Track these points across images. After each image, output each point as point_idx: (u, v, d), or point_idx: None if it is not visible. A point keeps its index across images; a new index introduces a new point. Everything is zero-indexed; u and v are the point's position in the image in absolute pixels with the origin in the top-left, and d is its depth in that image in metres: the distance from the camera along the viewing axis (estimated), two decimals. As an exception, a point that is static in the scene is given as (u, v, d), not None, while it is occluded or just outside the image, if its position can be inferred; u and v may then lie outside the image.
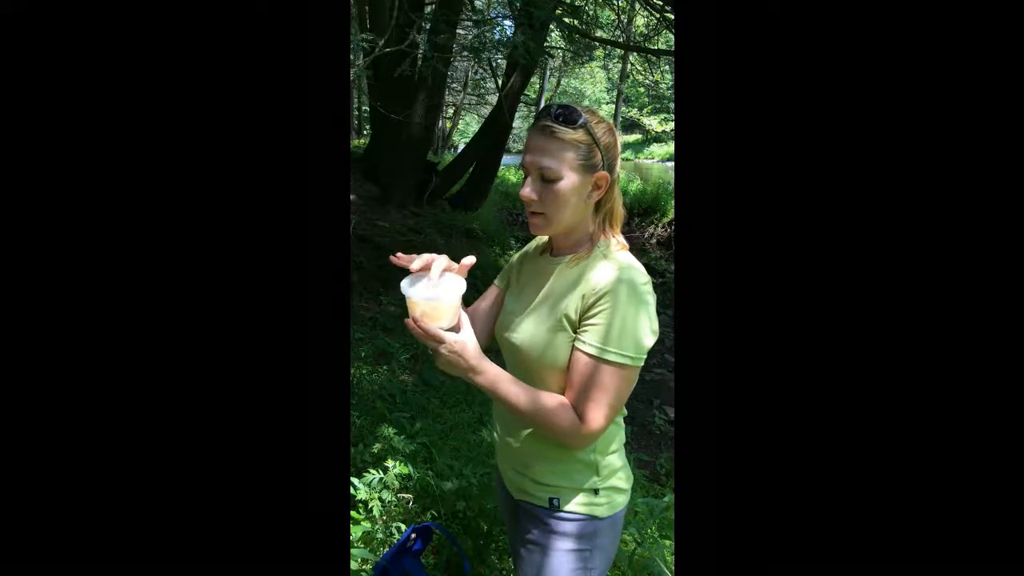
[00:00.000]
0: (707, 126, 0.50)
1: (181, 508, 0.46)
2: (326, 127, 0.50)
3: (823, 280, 0.47)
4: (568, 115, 0.76)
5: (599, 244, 0.83)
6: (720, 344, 0.49)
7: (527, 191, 0.79)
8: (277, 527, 0.48)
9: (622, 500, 0.89)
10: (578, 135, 0.76)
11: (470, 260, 0.80)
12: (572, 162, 0.76)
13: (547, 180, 0.77)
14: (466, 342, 0.75)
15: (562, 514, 0.86)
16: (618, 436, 0.89)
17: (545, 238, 0.91)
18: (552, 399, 0.79)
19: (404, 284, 0.76)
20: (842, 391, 0.46)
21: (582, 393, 0.77)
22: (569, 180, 0.77)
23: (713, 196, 0.50)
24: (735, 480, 0.48)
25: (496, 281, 1.00)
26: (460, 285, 0.76)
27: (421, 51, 3.71)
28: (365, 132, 10.39)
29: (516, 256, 0.99)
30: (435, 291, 0.73)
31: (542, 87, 13.13)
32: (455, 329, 0.76)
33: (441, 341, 0.73)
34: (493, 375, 0.77)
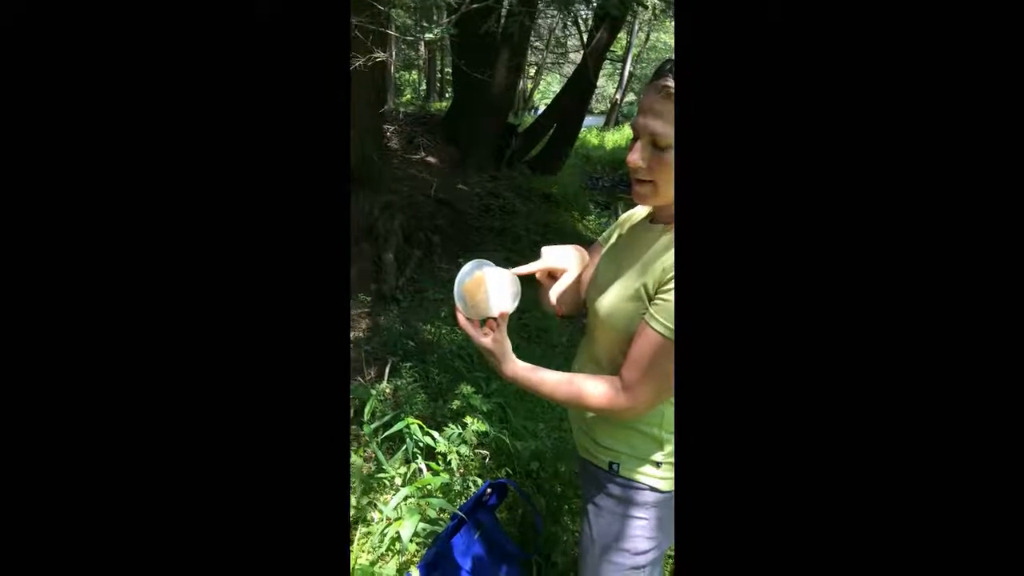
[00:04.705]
0: (707, 128, 0.47)
1: (173, 506, 0.46)
2: (326, 122, 0.48)
3: (825, 280, 0.44)
4: None
5: None
6: (719, 345, 0.47)
7: (635, 157, 0.72)
8: (275, 528, 0.47)
9: None
10: None
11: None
12: None
13: (659, 147, 0.70)
14: (495, 344, 0.83)
15: (621, 480, 0.84)
16: None
17: None
18: (581, 382, 0.80)
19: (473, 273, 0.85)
20: (844, 390, 0.44)
21: (634, 364, 0.75)
22: None
23: (712, 195, 0.47)
24: (735, 480, 0.46)
25: (600, 238, 0.96)
26: (475, 267, 0.85)
27: (506, 6, 3.62)
28: (447, 95, 10.44)
29: (626, 214, 0.94)
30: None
31: (629, 43, 12.43)
32: (493, 328, 0.83)
33: (478, 336, 0.83)
34: (518, 371, 0.83)
